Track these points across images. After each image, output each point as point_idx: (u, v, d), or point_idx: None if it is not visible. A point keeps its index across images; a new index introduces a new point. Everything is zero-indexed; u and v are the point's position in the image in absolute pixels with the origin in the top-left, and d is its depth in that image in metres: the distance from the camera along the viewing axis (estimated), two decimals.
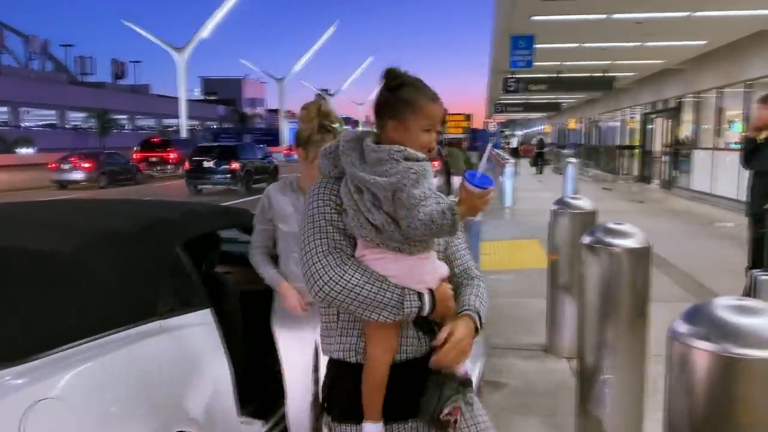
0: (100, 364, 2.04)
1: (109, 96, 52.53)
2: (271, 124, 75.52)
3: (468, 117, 42.77)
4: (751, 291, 4.94)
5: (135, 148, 30.19)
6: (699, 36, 13.28)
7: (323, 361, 2.01)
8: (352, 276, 1.65)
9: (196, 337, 2.54)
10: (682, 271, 7.64)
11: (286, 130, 58.95)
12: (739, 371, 1.57)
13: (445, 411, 1.70)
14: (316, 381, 2.85)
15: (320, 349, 2.80)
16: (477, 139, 35.24)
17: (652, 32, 12.31)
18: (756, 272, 4.96)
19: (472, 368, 2.64)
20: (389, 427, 1.76)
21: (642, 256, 3.14)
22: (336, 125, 2.70)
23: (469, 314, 1.76)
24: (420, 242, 1.71)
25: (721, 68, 15.22)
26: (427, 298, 1.72)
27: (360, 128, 1.89)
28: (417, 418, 1.75)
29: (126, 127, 55.96)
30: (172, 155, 28.61)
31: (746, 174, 5.79)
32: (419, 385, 1.75)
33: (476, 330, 1.76)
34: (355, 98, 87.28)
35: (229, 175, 20.14)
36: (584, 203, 4.69)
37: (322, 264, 1.66)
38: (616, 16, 10.35)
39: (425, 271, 1.75)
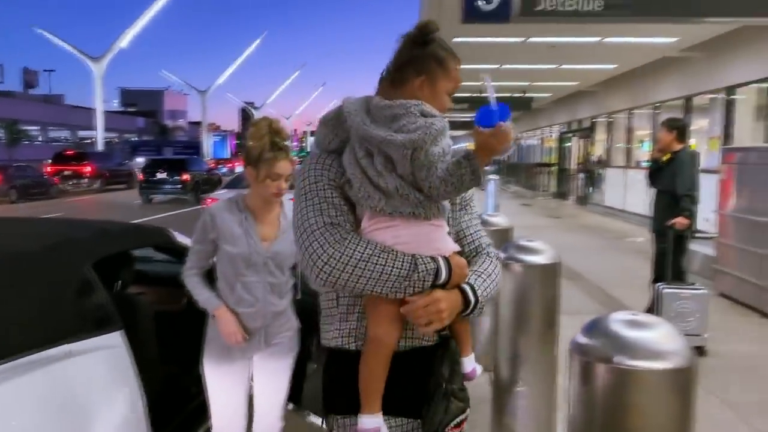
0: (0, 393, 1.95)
1: (19, 105, 49.88)
2: (194, 137, 73.85)
3: None
4: (655, 302, 5.24)
5: (48, 161, 28.86)
6: (609, 60, 14.00)
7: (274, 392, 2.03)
8: (355, 249, 1.52)
9: (106, 360, 2.46)
10: (594, 284, 7.99)
11: (209, 143, 57.75)
12: (631, 382, 1.67)
13: (452, 425, 1.62)
14: (247, 418, 2.77)
15: (254, 385, 2.76)
16: None
17: (566, 56, 12.88)
18: (659, 285, 5.28)
19: None
20: (388, 420, 1.62)
21: (551, 272, 3.28)
22: (287, 143, 2.66)
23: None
24: (435, 204, 1.58)
25: (630, 91, 16.07)
26: (442, 262, 1.57)
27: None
28: (419, 420, 1.64)
29: (38, 139, 53.27)
30: (87, 168, 27.62)
31: (653, 191, 6.14)
32: (424, 379, 1.63)
33: (466, 304, 1.61)
34: (283, 112, 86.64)
35: (179, 186, 22.05)
36: (501, 220, 4.86)
37: (319, 243, 1.53)
38: (532, 39, 10.78)
39: (440, 237, 1.62)
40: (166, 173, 22.32)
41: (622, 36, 10.67)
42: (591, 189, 19.02)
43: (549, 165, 25.22)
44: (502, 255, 3.30)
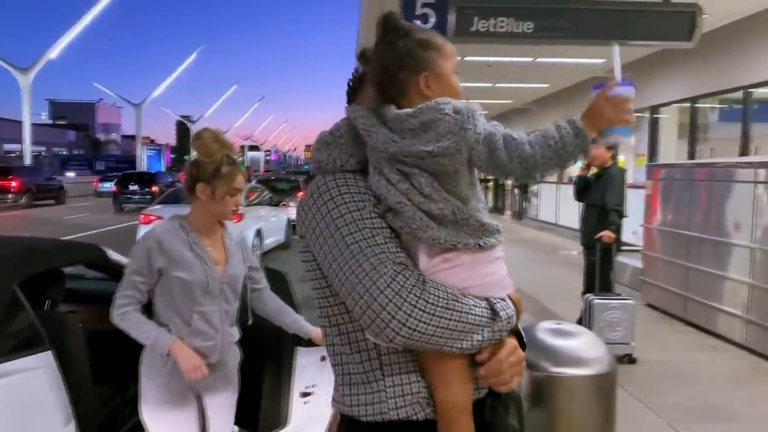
0: None
1: None
2: (127, 151, 71.87)
3: None
4: (585, 313, 5.44)
5: None
6: (542, 80, 14.49)
7: None
8: (438, 296, 1.23)
9: (34, 381, 2.38)
10: (529, 296, 8.20)
11: (144, 157, 56.31)
12: (556, 388, 1.76)
13: None
14: None
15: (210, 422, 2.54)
16: None
17: (501, 75, 13.26)
18: (589, 296, 5.48)
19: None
20: None
21: None
22: (234, 155, 2.48)
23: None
24: (496, 227, 1.37)
25: (561, 109, 16.65)
26: (510, 303, 1.35)
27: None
28: None
29: None
30: (12, 183, 26.34)
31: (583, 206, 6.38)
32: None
33: (522, 346, 1.41)
34: (220, 125, 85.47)
35: (149, 196, 23.47)
36: None
37: (395, 290, 1.21)
38: (468, 58, 11.06)
39: (504, 271, 1.37)
40: (137, 186, 25.30)
41: (554, 57, 11.08)
42: (525, 204, 19.52)
43: (486, 180, 25.74)
44: None
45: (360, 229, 1.26)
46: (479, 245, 1.30)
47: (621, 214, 5.74)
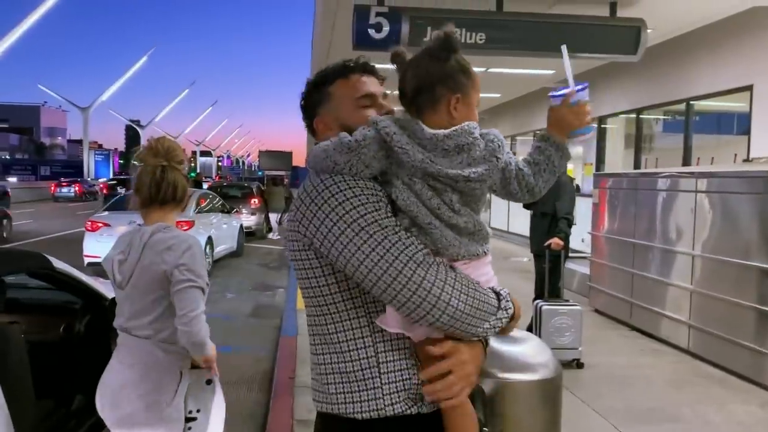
0: None
1: None
2: (74, 156, 69.95)
3: (290, 154, 43.07)
4: (535, 319, 5.55)
5: None
6: (494, 89, 14.73)
7: None
8: (468, 282, 1.36)
9: None
10: None
11: (91, 162, 54.91)
12: (504, 393, 1.80)
13: None
14: None
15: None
16: (298, 176, 35.54)
17: None
18: (538, 302, 5.59)
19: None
20: None
21: None
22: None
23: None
24: (488, 237, 1.48)
25: (513, 119, 16.96)
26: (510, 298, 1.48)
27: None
28: None
29: None
30: None
31: (530, 214, 6.49)
32: None
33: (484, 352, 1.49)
34: (171, 130, 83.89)
35: None
36: None
37: (433, 279, 1.30)
38: None
39: (492, 271, 1.50)
40: (124, 189, 28.16)
41: (505, 68, 11.28)
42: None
43: None
44: None
45: (384, 227, 1.32)
46: (484, 252, 1.44)
47: (570, 223, 5.87)
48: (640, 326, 6.88)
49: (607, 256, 7.81)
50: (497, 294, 1.43)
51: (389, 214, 1.35)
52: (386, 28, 6.79)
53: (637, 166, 11.20)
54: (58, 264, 3.20)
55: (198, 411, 2.61)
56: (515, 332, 1.95)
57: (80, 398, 3.38)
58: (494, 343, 1.86)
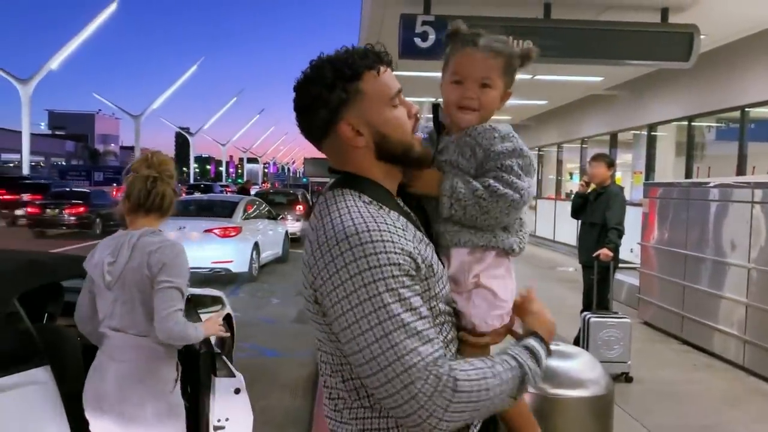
0: None
1: None
2: (126, 162, 71.99)
3: None
4: (582, 331, 5.44)
5: None
6: (541, 96, 14.55)
7: None
8: (470, 389, 1.20)
9: (31, 396, 2.38)
10: None
11: None
12: (554, 409, 1.77)
13: None
14: None
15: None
16: None
17: None
18: (586, 314, 5.48)
19: None
20: None
21: None
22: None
23: None
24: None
25: (560, 126, 16.74)
26: (542, 352, 1.35)
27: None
28: None
29: None
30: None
31: (580, 224, 6.36)
32: None
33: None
34: (219, 138, 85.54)
35: None
36: None
37: (425, 400, 1.16)
38: None
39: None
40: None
41: (553, 74, 11.14)
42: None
43: None
44: None
45: (393, 315, 1.18)
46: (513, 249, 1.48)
47: (621, 233, 5.71)
48: (691, 340, 6.68)
49: (657, 268, 7.61)
50: (520, 366, 1.28)
51: (407, 278, 1.21)
52: (432, 37, 6.79)
53: (688, 174, 10.91)
54: None
55: (227, 420, 2.68)
56: (565, 347, 1.92)
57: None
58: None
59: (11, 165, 54.39)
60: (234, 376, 2.55)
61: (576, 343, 5.69)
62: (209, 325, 2.61)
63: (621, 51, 7.27)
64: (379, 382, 1.18)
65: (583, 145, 15.66)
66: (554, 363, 1.78)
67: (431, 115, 1.52)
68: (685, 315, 6.80)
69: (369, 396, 1.29)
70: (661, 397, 5.10)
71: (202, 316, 3.97)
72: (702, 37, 7.23)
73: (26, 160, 37.35)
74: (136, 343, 2.42)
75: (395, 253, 1.20)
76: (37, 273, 2.87)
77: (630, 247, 9.12)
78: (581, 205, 6.10)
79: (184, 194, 30.68)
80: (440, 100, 1.52)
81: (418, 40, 6.81)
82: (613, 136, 13.95)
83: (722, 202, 6.34)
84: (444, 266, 1.38)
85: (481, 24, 6.07)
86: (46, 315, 3.20)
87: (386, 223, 1.24)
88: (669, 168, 12.02)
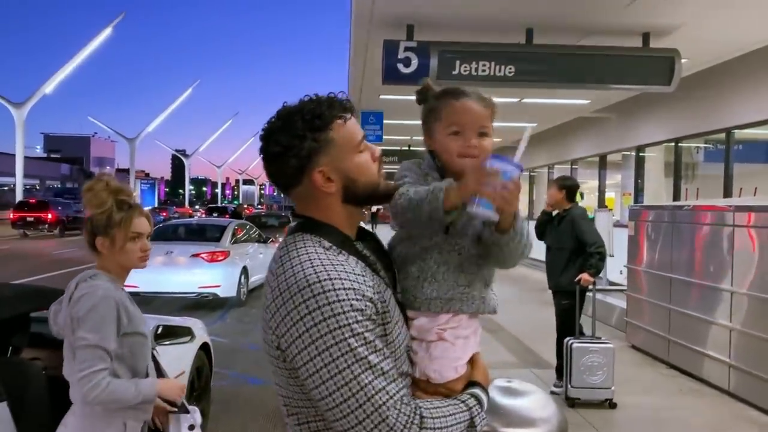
0: None
1: None
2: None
3: None
4: (566, 357, 5.38)
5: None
6: (529, 119, 14.59)
7: None
8: (434, 426, 1.26)
9: None
10: (515, 337, 8.16)
11: (137, 190, 56.36)
12: None
13: None
14: None
15: None
16: None
17: None
18: (569, 340, 5.43)
19: None
20: None
21: None
22: (131, 199, 2.37)
23: None
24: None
25: (550, 147, 16.81)
26: (483, 397, 1.43)
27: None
28: None
29: None
30: (49, 216, 29.84)
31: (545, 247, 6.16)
32: None
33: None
34: (215, 160, 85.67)
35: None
36: None
37: (400, 428, 1.20)
38: None
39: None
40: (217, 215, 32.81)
41: (540, 98, 11.22)
42: None
43: None
44: None
45: (359, 359, 1.21)
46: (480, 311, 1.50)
47: (603, 256, 5.58)
48: (678, 364, 6.63)
49: (644, 291, 7.58)
50: (469, 409, 1.35)
51: (369, 323, 1.24)
52: (415, 62, 6.84)
53: (676, 195, 10.94)
54: None
55: None
56: (519, 384, 1.89)
57: None
58: (497, 396, 1.81)
59: (5, 188, 54.33)
60: (188, 412, 2.49)
61: (558, 371, 5.64)
62: (166, 388, 2.36)
63: (603, 75, 7.33)
64: (350, 424, 1.21)
65: (573, 166, 15.72)
66: (506, 401, 1.75)
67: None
68: (672, 339, 6.76)
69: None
70: (645, 424, 5.05)
71: (170, 348, 3.93)
72: (684, 61, 7.30)
73: (20, 183, 37.35)
74: (79, 393, 2.25)
75: (356, 299, 1.24)
76: (1, 306, 2.83)
77: (619, 269, 9.10)
78: (544, 225, 5.92)
79: (204, 215, 32.86)
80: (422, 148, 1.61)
81: (400, 66, 6.86)
82: (602, 158, 14.02)
83: (705, 225, 6.34)
84: (401, 313, 1.40)
85: (463, 50, 6.14)
86: (10, 348, 3.15)
87: (346, 271, 1.27)
88: (658, 189, 12.06)
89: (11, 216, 30.58)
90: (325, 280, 1.23)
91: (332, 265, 1.27)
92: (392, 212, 1.45)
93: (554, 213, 5.86)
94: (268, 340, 1.32)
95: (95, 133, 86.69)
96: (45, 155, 79.04)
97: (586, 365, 5.24)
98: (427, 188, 1.39)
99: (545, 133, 16.65)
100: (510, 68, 6.95)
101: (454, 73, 6.81)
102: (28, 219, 29.78)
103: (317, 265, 1.26)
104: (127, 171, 67.32)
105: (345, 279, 1.25)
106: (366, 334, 1.23)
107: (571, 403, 5.27)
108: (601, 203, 13.65)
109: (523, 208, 19.68)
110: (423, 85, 1.55)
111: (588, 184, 15.36)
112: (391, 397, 1.21)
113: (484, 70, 6.87)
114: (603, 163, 14.04)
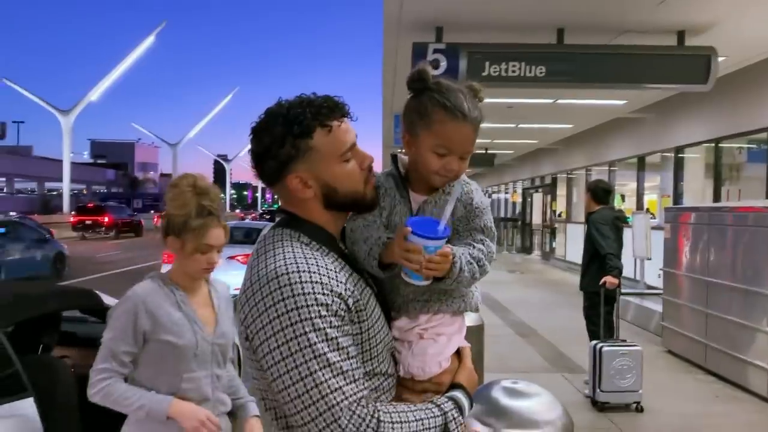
0: None
1: None
2: (164, 189, 73.60)
3: None
4: (595, 360, 5.30)
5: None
6: (566, 120, 14.45)
7: None
8: (395, 422, 1.24)
9: (12, 428, 2.42)
10: (547, 341, 8.05)
11: None
12: None
13: None
14: None
15: None
16: None
17: (523, 116, 13.28)
18: (597, 343, 5.34)
19: None
20: None
21: (474, 333, 3.34)
22: (215, 205, 2.21)
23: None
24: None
25: (587, 149, 16.55)
26: (465, 402, 1.37)
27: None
28: None
29: (3, 190, 52.67)
30: (105, 219, 31.81)
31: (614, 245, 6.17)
32: None
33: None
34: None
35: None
36: None
37: (355, 424, 1.20)
38: (488, 100, 11.09)
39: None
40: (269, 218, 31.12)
41: (574, 99, 11.06)
42: (553, 244, 19.31)
43: (514, 220, 25.59)
44: None
45: (318, 355, 1.20)
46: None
47: (617, 257, 5.63)
48: (715, 370, 6.45)
49: (680, 294, 7.40)
50: (444, 414, 1.30)
51: (335, 318, 1.23)
52: (443, 64, 6.81)
53: (716, 197, 10.65)
54: (108, 300, 3.34)
55: None
56: (525, 386, 1.87)
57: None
58: (500, 397, 1.80)
59: (54, 193, 56.04)
60: None
61: (593, 372, 5.55)
62: (180, 412, 2.13)
63: (637, 75, 7.18)
64: (303, 420, 1.21)
65: (611, 168, 15.44)
66: (510, 402, 1.74)
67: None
68: (708, 344, 6.59)
69: (287, 427, 1.31)
70: (676, 430, 4.93)
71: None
72: (721, 59, 7.10)
73: (66, 187, 38.51)
74: None
75: (323, 294, 1.23)
76: (26, 306, 2.93)
77: (658, 273, 8.90)
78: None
79: (254, 219, 34.02)
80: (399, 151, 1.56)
81: (429, 69, 6.82)
82: (641, 159, 13.73)
83: (744, 227, 6.16)
84: (384, 313, 1.39)
85: (492, 51, 6.08)
86: (41, 346, 3.26)
87: (317, 265, 1.27)
88: (699, 191, 11.75)
89: (72, 219, 32.67)
90: (292, 272, 1.24)
91: (304, 258, 1.27)
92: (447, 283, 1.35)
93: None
94: (240, 331, 1.33)
95: (139, 138, 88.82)
96: (92, 161, 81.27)
97: (615, 369, 5.15)
98: (374, 237, 1.36)
99: (581, 135, 16.41)
100: (541, 69, 6.87)
101: (483, 74, 6.76)
102: (87, 222, 31.71)
103: (288, 258, 1.27)
104: (170, 176, 68.81)
105: (314, 273, 1.24)
106: (328, 330, 1.21)
107: (600, 407, 5.19)
108: (640, 205, 13.38)
109: (562, 209, 19.48)
110: (420, 72, 1.42)
111: (628, 186, 15.08)
112: (347, 398, 1.20)
113: (514, 71, 6.81)
114: (641, 165, 13.75)
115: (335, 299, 1.24)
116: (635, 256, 9.92)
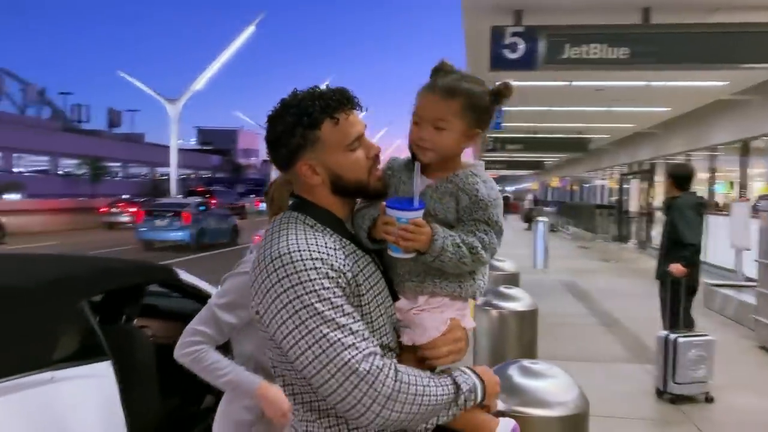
0: None
1: (103, 144, 53.14)
2: (265, 175, 76.24)
3: None
4: (669, 350, 5.14)
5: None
6: (662, 103, 13.79)
7: None
8: (408, 390, 1.32)
9: (89, 388, 2.68)
10: (631, 332, 7.81)
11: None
12: (523, 428, 1.77)
13: None
14: None
15: None
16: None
17: (615, 99, 12.80)
18: (671, 334, 5.19)
19: None
20: None
21: (528, 318, 3.36)
22: None
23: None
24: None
25: (687, 133, 15.71)
26: (474, 377, 1.46)
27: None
28: None
29: (118, 175, 56.44)
30: (213, 202, 32.40)
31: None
32: None
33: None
34: None
35: None
36: (507, 265, 4.94)
37: (366, 389, 1.28)
38: (576, 83, 10.81)
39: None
40: None
41: (669, 80, 10.56)
42: (650, 232, 18.49)
43: (610, 207, 24.67)
44: (479, 301, 3.42)
45: (326, 321, 1.30)
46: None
47: (696, 249, 5.40)
48: None
49: None
50: (456, 385, 1.40)
51: (338, 291, 1.33)
52: (522, 47, 6.72)
53: None
54: (184, 276, 3.60)
55: None
56: (543, 367, 1.91)
57: (210, 398, 3.73)
58: (515, 376, 1.85)
59: (164, 177, 59.38)
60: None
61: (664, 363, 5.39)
62: (267, 395, 2.11)
63: (734, 54, 6.79)
64: (323, 379, 1.30)
65: (713, 153, 14.60)
66: (524, 381, 1.80)
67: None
68: None
69: (306, 402, 1.43)
70: (743, 426, 4.72)
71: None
72: None
73: (173, 172, 40.67)
74: None
75: (324, 268, 1.34)
76: (109, 279, 3.22)
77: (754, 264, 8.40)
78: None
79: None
80: None
81: (506, 52, 6.77)
82: (745, 144, 12.90)
83: None
84: (386, 288, 1.49)
85: (573, 32, 6.01)
86: (123, 317, 3.57)
87: (317, 243, 1.38)
88: None
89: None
90: (294, 251, 1.35)
91: (305, 238, 1.38)
92: (428, 260, 1.44)
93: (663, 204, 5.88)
94: (252, 309, 1.44)
95: (242, 126, 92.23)
96: (198, 147, 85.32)
97: (690, 359, 4.99)
98: (369, 214, 1.47)
99: (679, 119, 15.60)
100: (624, 50, 6.64)
101: (563, 57, 6.63)
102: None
103: (291, 239, 1.38)
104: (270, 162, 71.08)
105: (314, 251, 1.35)
106: (333, 299, 1.31)
107: (673, 399, 5.04)
108: (743, 193, 12.60)
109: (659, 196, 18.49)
110: (440, 64, 1.51)
111: (732, 173, 14.23)
112: (361, 352, 1.29)
113: (595, 53, 6.63)
114: (745, 150, 12.92)
115: (335, 273, 1.35)
116: (733, 246, 9.40)
